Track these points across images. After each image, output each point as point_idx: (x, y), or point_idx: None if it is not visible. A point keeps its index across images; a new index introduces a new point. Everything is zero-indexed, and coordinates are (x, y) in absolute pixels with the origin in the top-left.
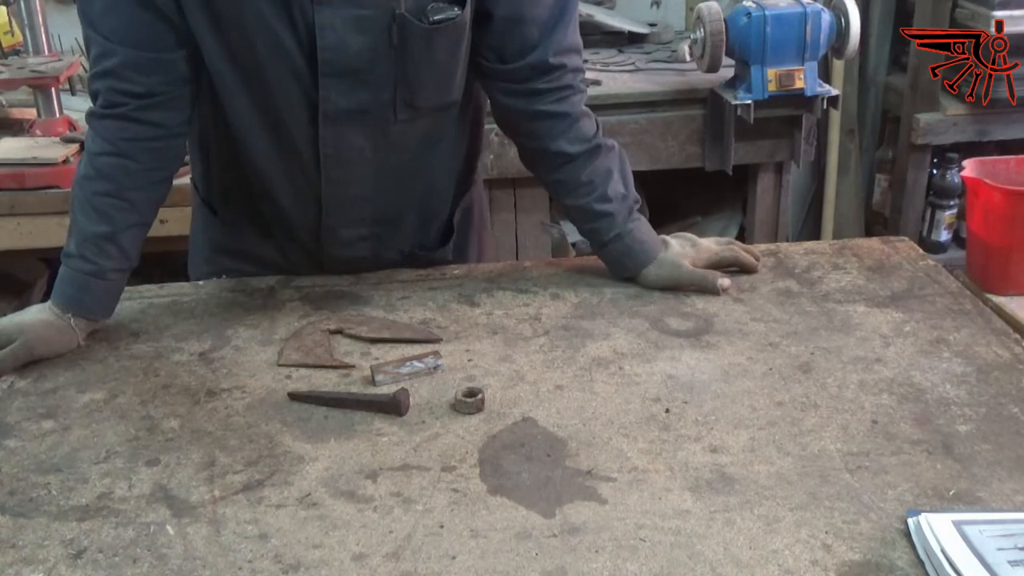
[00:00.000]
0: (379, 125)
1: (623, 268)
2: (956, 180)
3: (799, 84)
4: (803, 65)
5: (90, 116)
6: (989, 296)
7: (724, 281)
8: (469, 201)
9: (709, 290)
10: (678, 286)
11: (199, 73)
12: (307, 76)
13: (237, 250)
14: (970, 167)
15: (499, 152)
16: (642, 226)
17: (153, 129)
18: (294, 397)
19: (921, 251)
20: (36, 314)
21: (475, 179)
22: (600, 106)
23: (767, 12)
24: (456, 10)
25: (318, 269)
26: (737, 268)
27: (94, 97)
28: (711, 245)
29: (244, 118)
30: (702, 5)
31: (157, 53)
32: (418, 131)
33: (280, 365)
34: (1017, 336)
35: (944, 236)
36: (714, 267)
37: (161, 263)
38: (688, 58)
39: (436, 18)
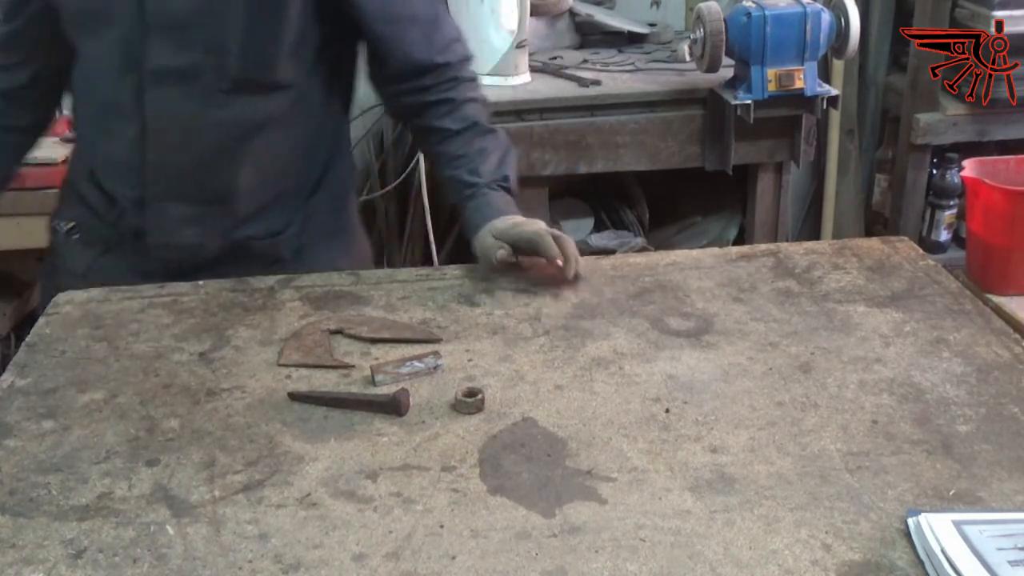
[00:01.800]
0: (203, 91)
1: (472, 226)
2: (956, 180)
3: (799, 84)
4: (803, 65)
5: None
6: (989, 296)
7: (501, 252)
8: (326, 207)
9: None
10: (501, 237)
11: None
12: (137, 30)
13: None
14: (970, 167)
15: None
16: (504, 198)
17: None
18: (294, 397)
19: (921, 251)
20: None
21: (327, 183)
22: (600, 106)
23: (767, 12)
24: None
25: (143, 265)
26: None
27: None
28: (538, 232)
29: (79, 81)
30: (702, 5)
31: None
32: (245, 108)
33: (280, 365)
34: (1017, 336)
35: (944, 236)
36: (526, 243)
37: None
38: (688, 58)
39: None
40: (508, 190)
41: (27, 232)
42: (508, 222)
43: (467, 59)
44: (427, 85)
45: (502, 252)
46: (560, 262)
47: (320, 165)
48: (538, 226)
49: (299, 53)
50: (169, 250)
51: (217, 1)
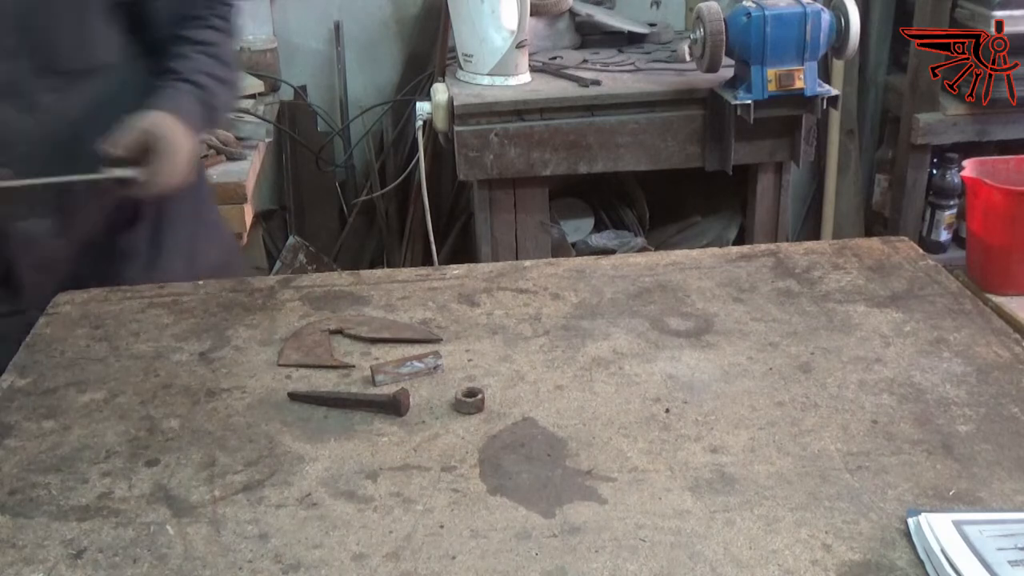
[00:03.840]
0: (27, 97)
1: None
2: (956, 180)
3: (799, 84)
4: (803, 65)
5: None
6: (989, 296)
7: (106, 146)
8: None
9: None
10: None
11: None
12: None
13: None
14: (970, 167)
15: (499, 152)
16: (174, 92)
17: None
18: (294, 397)
19: (921, 251)
20: None
21: None
22: (600, 106)
23: (767, 12)
24: None
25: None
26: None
27: None
28: (158, 142)
29: None
30: (702, 5)
31: None
32: (77, 101)
33: (280, 365)
34: (1017, 336)
35: (944, 236)
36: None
37: None
38: (688, 58)
39: None
40: (204, 103)
41: None
42: (147, 118)
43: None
44: (184, 15)
45: (105, 146)
46: (107, 148)
47: None
48: (132, 122)
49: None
50: (41, 275)
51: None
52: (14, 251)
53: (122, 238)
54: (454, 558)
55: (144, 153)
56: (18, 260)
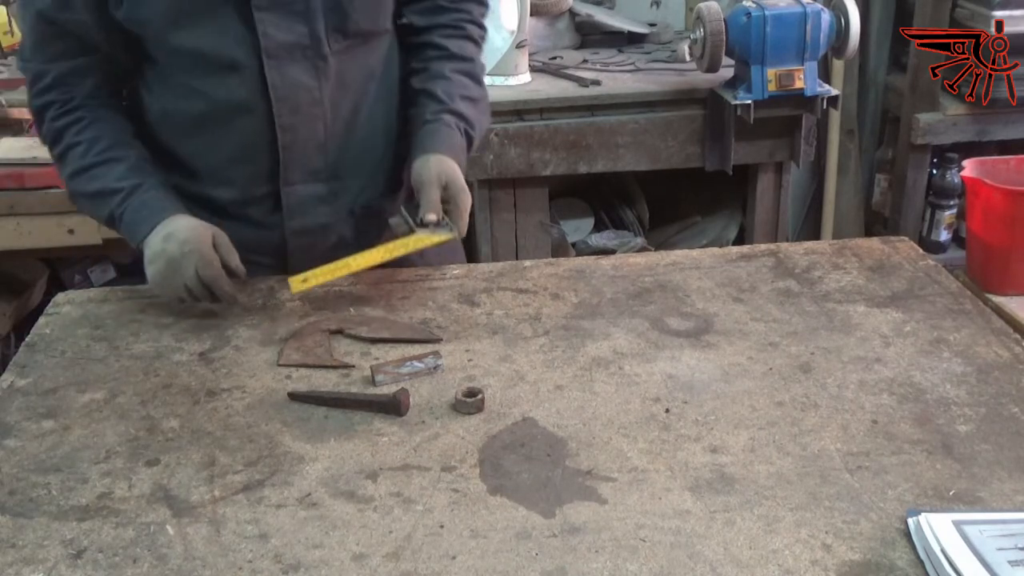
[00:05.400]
0: (319, 59)
1: (419, 145)
2: (956, 180)
3: (799, 84)
4: (803, 65)
5: (51, 120)
6: (989, 296)
7: (431, 216)
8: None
9: (423, 209)
10: (418, 184)
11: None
12: (243, 15)
13: None
14: (970, 167)
15: (499, 152)
16: (456, 136)
17: (109, 99)
18: (294, 397)
19: (921, 251)
20: (173, 238)
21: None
22: (600, 106)
23: (767, 12)
24: None
25: (277, 252)
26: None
27: (38, 113)
28: (457, 195)
29: (193, 76)
30: (702, 5)
31: (89, 56)
32: (355, 64)
33: (280, 365)
34: (1017, 336)
35: (944, 236)
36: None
37: None
38: (688, 58)
39: None
40: (468, 136)
41: (27, 232)
42: (434, 167)
43: (484, 4)
44: (443, 6)
45: (431, 216)
46: (432, 216)
47: (397, 105)
48: (431, 176)
49: None
50: (302, 236)
51: None
52: (283, 215)
53: (383, 202)
54: (454, 558)
55: (445, 204)
56: (285, 224)
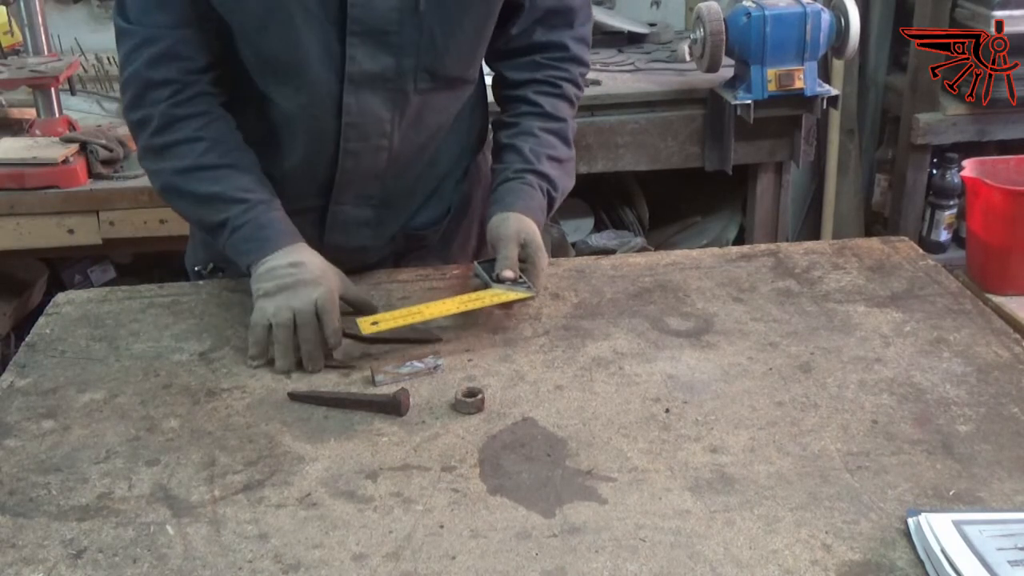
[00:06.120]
0: (400, 94)
1: (499, 202)
2: (956, 180)
3: (799, 84)
4: (803, 65)
5: (170, 102)
6: (989, 296)
7: (508, 273)
8: (468, 187)
9: (499, 266)
10: (496, 240)
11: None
12: (335, 35)
13: None
14: (970, 167)
15: None
16: (537, 196)
17: (221, 93)
18: (294, 397)
19: (921, 251)
20: (304, 266)
21: (478, 165)
22: (600, 106)
23: (767, 12)
24: None
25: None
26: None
27: (147, 86)
28: (535, 254)
29: (270, 83)
30: (702, 5)
31: (200, 31)
32: (436, 106)
33: None
34: (1017, 336)
35: (944, 236)
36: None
37: (161, 263)
38: (688, 58)
39: None
40: (550, 197)
41: (27, 232)
42: (513, 224)
43: (585, 42)
44: (541, 63)
45: (508, 273)
46: (509, 273)
47: (472, 147)
48: (510, 233)
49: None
50: (339, 253)
51: (419, 2)
52: (324, 229)
53: (426, 235)
54: (454, 558)
55: (522, 263)
56: (324, 238)
